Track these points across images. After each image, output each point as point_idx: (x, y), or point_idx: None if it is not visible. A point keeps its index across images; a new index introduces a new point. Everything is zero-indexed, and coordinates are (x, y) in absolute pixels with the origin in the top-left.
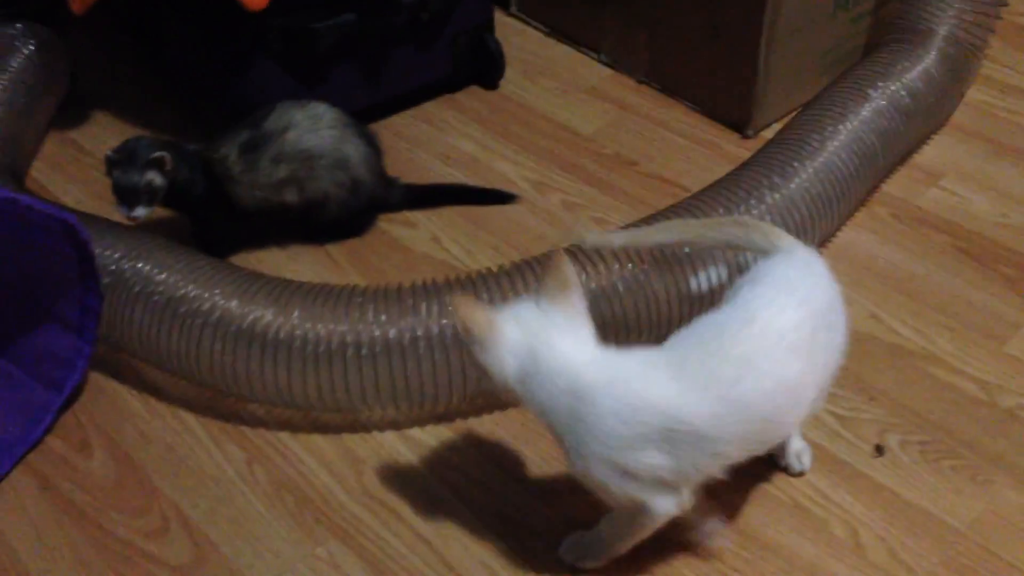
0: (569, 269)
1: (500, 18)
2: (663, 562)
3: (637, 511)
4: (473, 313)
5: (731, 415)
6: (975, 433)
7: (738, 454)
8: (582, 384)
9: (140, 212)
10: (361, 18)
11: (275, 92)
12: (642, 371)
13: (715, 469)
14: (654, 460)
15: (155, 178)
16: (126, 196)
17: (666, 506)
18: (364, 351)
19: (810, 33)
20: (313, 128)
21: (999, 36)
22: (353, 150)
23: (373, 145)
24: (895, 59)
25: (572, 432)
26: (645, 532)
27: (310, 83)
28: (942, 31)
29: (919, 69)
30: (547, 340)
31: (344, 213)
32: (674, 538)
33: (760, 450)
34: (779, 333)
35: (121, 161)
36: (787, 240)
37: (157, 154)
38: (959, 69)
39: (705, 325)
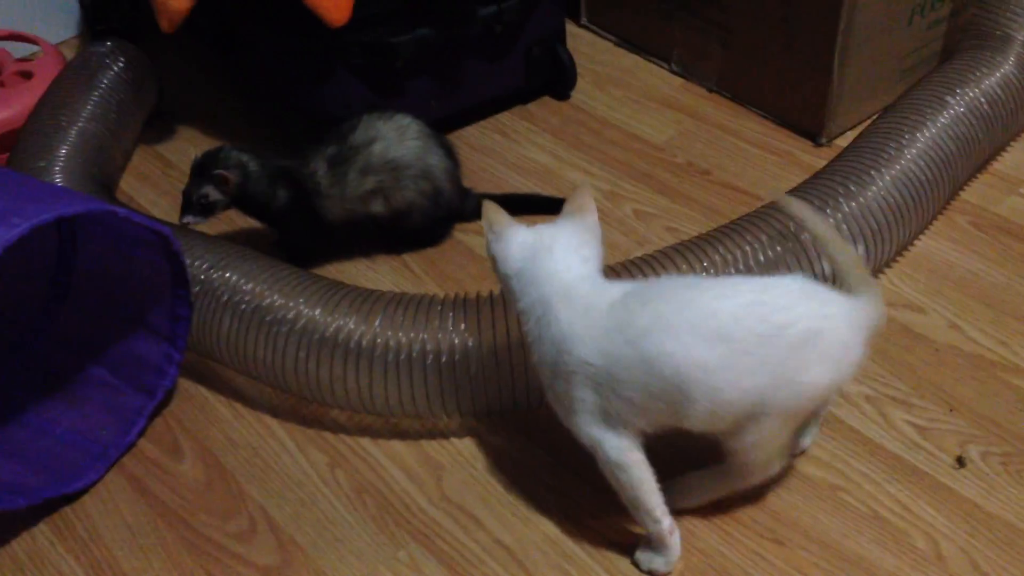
0: (589, 198)
1: (570, 29)
2: (736, 565)
3: (590, 448)
4: (497, 213)
5: (632, 363)
6: None
7: (649, 408)
8: (554, 296)
9: (189, 219)
10: (437, 32)
11: (355, 104)
12: (594, 304)
13: (635, 418)
14: (578, 393)
15: (211, 192)
16: (184, 202)
17: (610, 444)
18: (444, 359)
19: (885, 40)
20: (399, 139)
21: None
22: (436, 160)
23: (452, 156)
24: (973, 65)
25: (537, 341)
26: (615, 483)
27: (388, 95)
28: (1021, 36)
29: (998, 75)
30: (550, 247)
31: (426, 223)
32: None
33: (675, 420)
34: (716, 313)
35: (195, 168)
36: (866, 288)
37: (219, 172)
38: None
39: (687, 279)
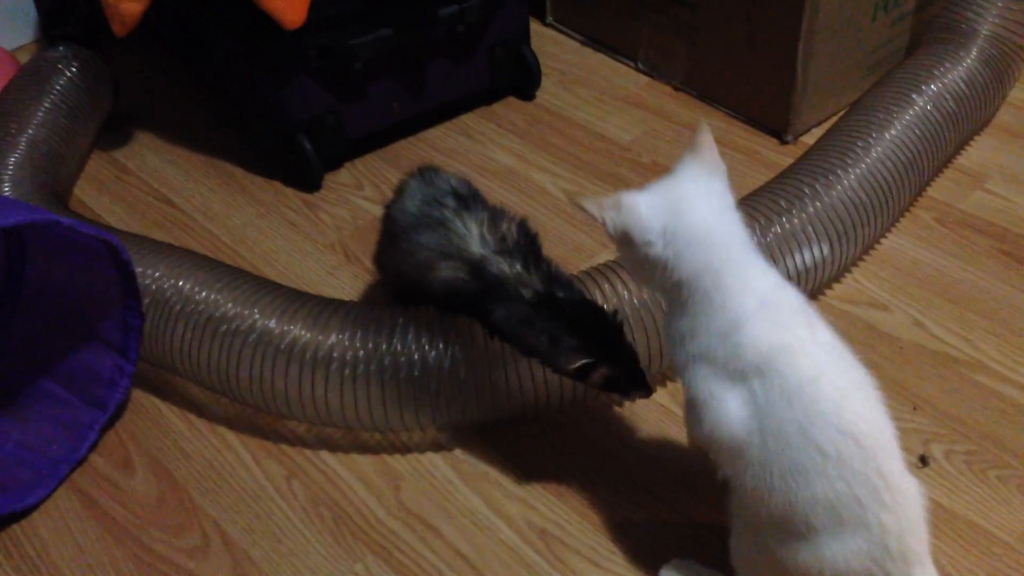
0: (707, 134)
1: (536, 28)
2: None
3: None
4: (592, 199)
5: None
6: (1023, 442)
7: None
8: (724, 266)
9: None
10: (398, 33)
11: (314, 107)
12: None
13: None
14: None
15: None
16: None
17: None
18: (403, 372)
19: (849, 37)
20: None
21: None
22: None
23: None
24: (937, 61)
25: (695, 315)
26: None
27: (349, 98)
28: (984, 31)
29: (961, 70)
30: (691, 200)
31: None
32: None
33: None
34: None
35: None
36: None
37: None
38: (1003, 69)
39: None
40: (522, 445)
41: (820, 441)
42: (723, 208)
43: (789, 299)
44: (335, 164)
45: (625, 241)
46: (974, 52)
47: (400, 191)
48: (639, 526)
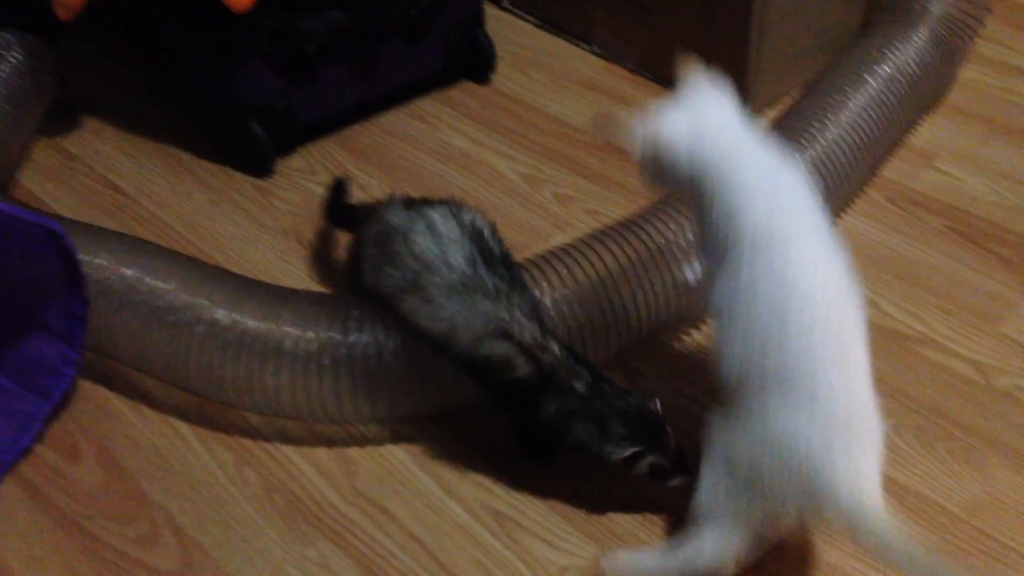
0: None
1: (491, 12)
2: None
3: None
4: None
5: None
6: (971, 415)
7: None
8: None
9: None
10: (350, 15)
11: (265, 92)
12: None
13: None
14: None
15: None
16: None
17: None
18: (358, 364)
19: (802, 16)
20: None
21: (995, 14)
22: None
23: None
24: (888, 41)
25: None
26: None
27: (301, 82)
28: (935, 10)
29: (912, 50)
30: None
31: None
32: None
33: None
34: None
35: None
36: None
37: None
38: (953, 48)
39: None
40: (477, 429)
41: (791, 308)
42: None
43: (794, 186)
44: (287, 149)
45: (653, 166)
46: (924, 32)
47: (421, 222)
48: (594, 505)
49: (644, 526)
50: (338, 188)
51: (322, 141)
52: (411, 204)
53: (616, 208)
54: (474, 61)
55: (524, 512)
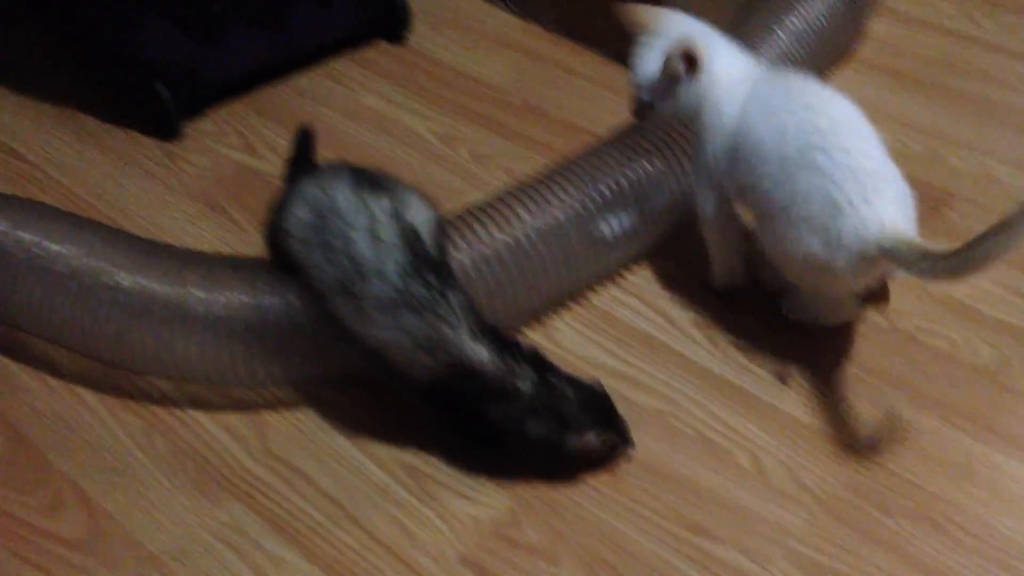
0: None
1: None
2: (566, 496)
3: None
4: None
5: None
6: (875, 356)
7: None
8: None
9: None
10: None
11: (170, 52)
12: None
13: None
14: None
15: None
16: None
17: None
18: (267, 327)
19: None
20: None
21: None
22: None
23: None
24: None
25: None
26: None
27: (208, 42)
28: None
29: (821, 4)
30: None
31: None
32: (580, 474)
33: None
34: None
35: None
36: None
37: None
38: (861, 2)
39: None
40: (390, 388)
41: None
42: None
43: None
44: (196, 111)
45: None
46: None
47: (364, 219)
48: (507, 456)
49: (558, 477)
50: (304, 142)
51: (233, 103)
52: (360, 182)
53: (532, 165)
54: (389, 21)
55: (438, 467)
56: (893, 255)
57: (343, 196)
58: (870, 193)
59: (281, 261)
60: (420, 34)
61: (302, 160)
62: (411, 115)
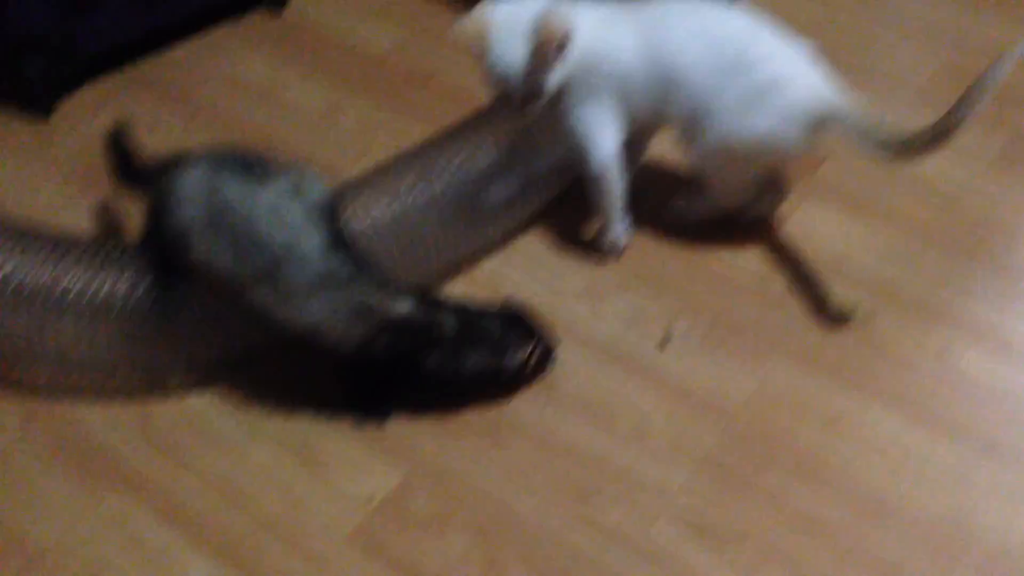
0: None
1: None
2: (454, 467)
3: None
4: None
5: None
6: (751, 315)
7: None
8: None
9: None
10: None
11: (39, 23)
12: None
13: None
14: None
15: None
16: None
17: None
18: (146, 313)
19: None
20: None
21: None
22: None
23: None
24: None
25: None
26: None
27: (79, 11)
28: None
29: None
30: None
31: None
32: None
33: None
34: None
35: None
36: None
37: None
38: None
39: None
40: (274, 371)
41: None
42: None
43: None
44: (69, 87)
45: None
46: None
47: (262, 201)
48: (397, 433)
49: (446, 449)
50: (117, 140)
51: (108, 77)
52: (245, 168)
53: (417, 132)
54: None
55: (327, 446)
56: (839, 117)
57: (233, 188)
58: (802, 68)
59: (173, 265)
60: (302, 2)
61: (124, 161)
62: (294, 87)
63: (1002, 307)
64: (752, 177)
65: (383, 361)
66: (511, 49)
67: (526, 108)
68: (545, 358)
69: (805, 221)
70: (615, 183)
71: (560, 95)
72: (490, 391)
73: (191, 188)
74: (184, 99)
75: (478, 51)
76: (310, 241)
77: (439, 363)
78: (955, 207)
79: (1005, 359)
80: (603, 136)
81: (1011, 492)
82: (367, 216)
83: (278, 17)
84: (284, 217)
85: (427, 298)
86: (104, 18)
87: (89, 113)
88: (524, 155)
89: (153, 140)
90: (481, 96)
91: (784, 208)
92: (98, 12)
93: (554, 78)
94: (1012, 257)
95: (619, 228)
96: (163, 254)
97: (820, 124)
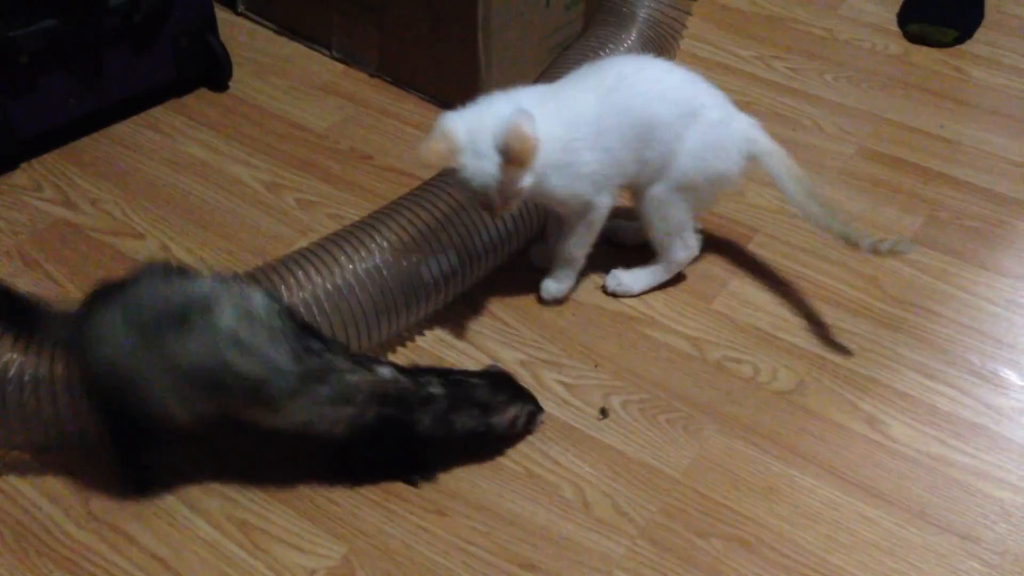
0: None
1: (228, 18)
2: (399, 540)
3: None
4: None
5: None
6: (687, 386)
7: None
8: None
9: None
10: (65, 23)
11: None
12: None
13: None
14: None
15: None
16: None
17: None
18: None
19: (526, 22)
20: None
21: (703, 17)
22: None
23: None
24: (601, 42)
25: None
26: (595, 229)
27: (17, 93)
28: (641, 14)
29: (623, 50)
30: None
31: None
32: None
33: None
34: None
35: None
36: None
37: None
38: (660, 49)
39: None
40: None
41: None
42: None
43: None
44: (8, 165)
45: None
46: (634, 34)
47: (226, 340)
48: (339, 504)
49: (391, 521)
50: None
51: (48, 155)
52: (142, 325)
53: (357, 210)
54: (209, 68)
55: (270, 519)
56: (763, 158)
57: (186, 343)
58: (732, 110)
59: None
60: (243, 81)
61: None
62: (235, 163)
63: (930, 374)
64: (700, 210)
65: (376, 431)
66: (483, 161)
67: (505, 210)
68: (532, 418)
69: (738, 294)
70: (592, 235)
71: (541, 184)
72: (478, 452)
73: (142, 366)
74: (123, 175)
75: (448, 168)
76: (280, 352)
77: (430, 427)
78: (879, 282)
79: (932, 426)
80: (601, 193)
81: (942, 556)
82: (304, 289)
83: (220, 96)
84: (249, 344)
85: (402, 368)
86: (41, 101)
87: (29, 190)
88: (461, 231)
89: (94, 216)
90: (422, 173)
91: (717, 282)
92: (35, 96)
93: (529, 178)
94: (933, 328)
95: (571, 283)
96: (136, 444)
97: (752, 158)
